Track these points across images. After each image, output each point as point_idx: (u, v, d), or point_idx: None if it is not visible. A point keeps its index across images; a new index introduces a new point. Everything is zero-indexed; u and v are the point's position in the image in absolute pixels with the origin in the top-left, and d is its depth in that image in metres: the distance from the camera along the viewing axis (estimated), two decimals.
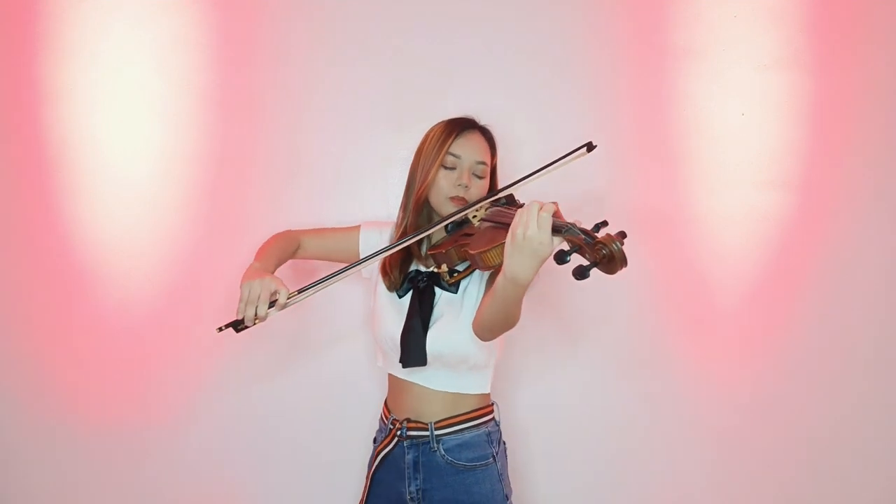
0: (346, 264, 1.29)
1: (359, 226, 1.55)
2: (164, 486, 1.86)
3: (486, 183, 1.41)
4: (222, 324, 1.20)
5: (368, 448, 1.61)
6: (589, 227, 1.06)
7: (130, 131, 1.84)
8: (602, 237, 0.99)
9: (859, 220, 1.91)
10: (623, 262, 0.98)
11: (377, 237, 1.52)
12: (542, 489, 1.88)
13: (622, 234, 0.99)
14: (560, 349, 1.90)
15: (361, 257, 1.48)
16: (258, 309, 1.18)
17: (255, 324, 1.20)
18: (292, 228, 1.58)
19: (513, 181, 1.35)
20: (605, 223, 1.07)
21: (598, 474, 1.91)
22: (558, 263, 0.99)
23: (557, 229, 1.03)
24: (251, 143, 1.86)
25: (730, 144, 1.90)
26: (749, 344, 1.91)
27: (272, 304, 1.20)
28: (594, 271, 0.98)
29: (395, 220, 1.49)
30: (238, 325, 1.20)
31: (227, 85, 1.85)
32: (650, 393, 1.90)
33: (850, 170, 1.91)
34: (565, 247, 1.02)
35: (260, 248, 1.45)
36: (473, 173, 1.38)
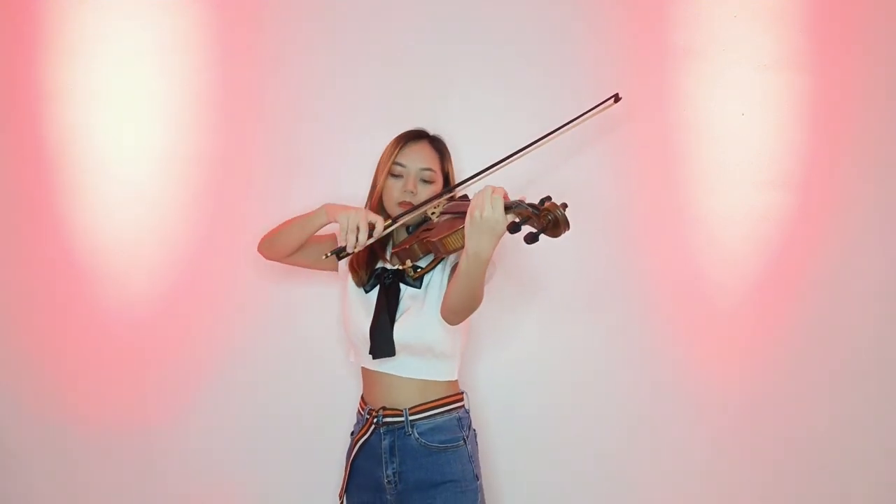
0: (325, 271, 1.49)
1: (333, 233, 1.64)
2: (161, 485, 1.86)
3: (435, 188, 1.53)
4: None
5: (347, 441, 1.62)
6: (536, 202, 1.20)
7: (130, 131, 1.84)
8: (547, 205, 1.16)
9: (859, 219, 1.91)
10: (566, 224, 1.15)
11: None
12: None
13: (564, 205, 1.16)
14: (556, 347, 1.89)
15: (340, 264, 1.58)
16: (359, 236, 1.34)
17: (355, 251, 1.36)
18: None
19: (538, 138, 1.49)
20: (548, 198, 1.20)
21: (585, 472, 1.91)
22: (511, 233, 1.14)
23: (508, 206, 1.18)
24: (251, 143, 1.86)
25: (730, 144, 1.90)
26: (748, 343, 1.91)
27: (370, 232, 1.35)
28: (543, 237, 1.14)
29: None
30: (341, 253, 1.36)
31: (228, 85, 1.85)
32: (648, 392, 1.90)
33: (850, 170, 1.91)
34: (517, 220, 1.15)
35: (286, 221, 1.55)
36: (421, 179, 1.51)
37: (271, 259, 1.60)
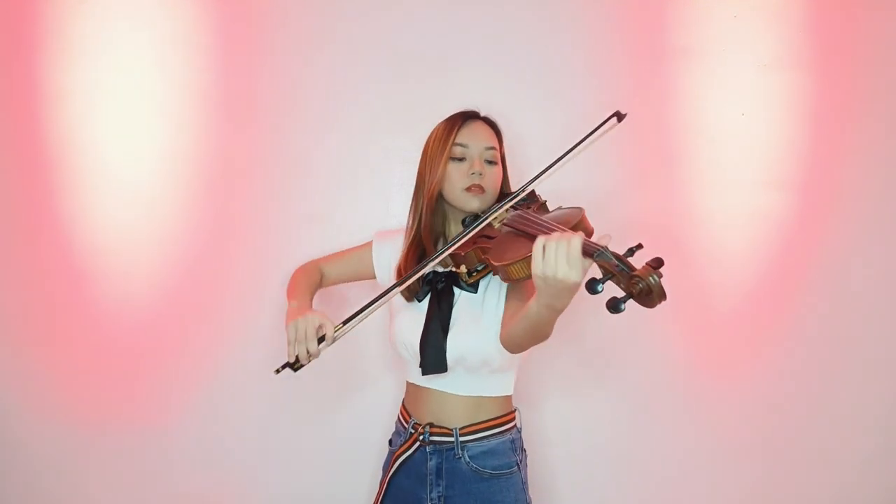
0: (368, 280, 1.29)
1: (370, 241, 1.54)
2: (162, 485, 1.86)
3: (499, 169, 1.38)
4: (278, 366, 1.20)
5: (378, 449, 1.59)
6: (622, 250, 0.96)
7: (130, 131, 1.84)
8: (639, 270, 0.90)
9: (859, 220, 1.91)
10: (662, 296, 0.88)
11: (390, 247, 1.49)
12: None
13: (658, 262, 0.89)
14: (555, 349, 1.89)
15: (375, 270, 1.49)
16: (308, 346, 1.17)
17: (308, 361, 1.19)
18: (314, 259, 1.59)
19: (543, 169, 1.28)
20: (640, 246, 0.97)
21: (609, 476, 1.91)
22: (590, 293, 0.90)
23: (588, 253, 0.93)
24: (251, 143, 1.86)
25: (730, 144, 1.90)
26: (748, 343, 1.91)
27: (321, 339, 1.19)
28: (630, 303, 0.88)
29: (403, 224, 1.47)
30: (294, 365, 1.19)
31: (228, 85, 1.85)
32: (647, 392, 1.90)
33: (850, 170, 1.91)
34: (598, 274, 0.93)
35: (289, 287, 1.45)
36: (485, 160, 1.36)
37: None
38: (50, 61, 1.82)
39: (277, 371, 1.19)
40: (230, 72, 1.85)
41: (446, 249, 1.23)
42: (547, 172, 1.27)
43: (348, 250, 1.57)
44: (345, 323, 1.21)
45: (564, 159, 1.27)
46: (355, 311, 1.20)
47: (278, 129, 1.86)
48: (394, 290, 1.22)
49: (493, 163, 1.37)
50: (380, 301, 1.20)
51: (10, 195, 1.82)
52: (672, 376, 1.90)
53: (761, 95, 1.90)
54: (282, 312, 1.85)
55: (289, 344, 1.19)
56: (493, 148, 1.36)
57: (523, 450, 1.39)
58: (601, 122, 1.28)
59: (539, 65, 1.88)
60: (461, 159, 1.35)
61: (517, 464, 1.34)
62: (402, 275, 1.36)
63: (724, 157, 1.90)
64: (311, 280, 1.47)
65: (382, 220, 1.85)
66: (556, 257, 0.94)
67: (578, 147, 1.27)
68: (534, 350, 1.83)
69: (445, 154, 1.34)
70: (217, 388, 1.85)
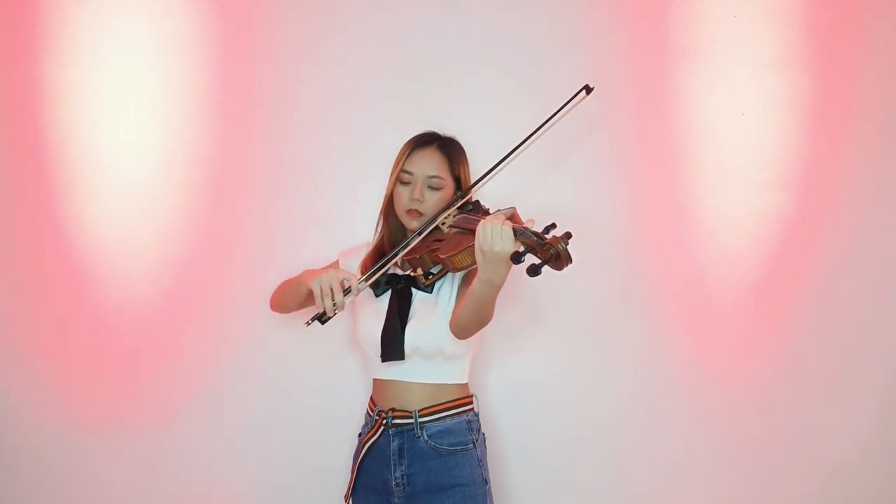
0: None
1: (336, 260, 1.68)
2: (162, 485, 1.86)
3: (443, 194, 1.53)
4: (307, 318, 1.37)
5: (354, 444, 1.62)
6: (540, 229, 1.20)
7: (130, 131, 1.84)
8: (550, 238, 1.14)
9: (859, 219, 1.91)
10: (568, 259, 1.13)
11: (355, 261, 1.63)
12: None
13: (567, 235, 1.14)
14: (555, 350, 1.89)
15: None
16: (335, 297, 1.31)
17: (335, 313, 1.34)
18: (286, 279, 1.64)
19: (517, 145, 1.48)
20: (553, 225, 1.21)
21: (594, 475, 1.91)
22: (514, 263, 1.14)
23: (515, 232, 1.17)
24: (251, 143, 1.86)
25: (730, 144, 1.90)
26: (749, 343, 1.91)
27: (346, 291, 1.33)
28: (545, 268, 1.12)
29: (366, 240, 1.67)
30: (322, 318, 1.35)
31: (227, 85, 1.85)
32: (648, 392, 1.90)
33: (850, 169, 1.91)
34: (521, 248, 1.16)
35: (280, 289, 1.63)
36: (428, 186, 1.51)
37: (286, 313, 1.67)
38: (50, 61, 1.82)
39: (307, 323, 1.36)
40: (230, 71, 1.85)
41: (407, 245, 1.45)
42: (521, 148, 1.48)
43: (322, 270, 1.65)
44: (366, 278, 1.41)
45: (536, 134, 1.47)
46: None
47: (278, 129, 1.86)
48: (398, 253, 1.44)
49: (437, 189, 1.51)
50: (393, 255, 1.44)
51: (9, 195, 1.82)
52: (672, 375, 1.90)
53: (761, 95, 1.90)
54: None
55: (316, 298, 1.33)
56: (436, 176, 1.50)
57: (480, 431, 1.53)
58: (571, 96, 1.45)
59: (538, 65, 1.88)
60: (407, 184, 1.51)
61: (473, 442, 1.48)
62: (364, 271, 1.51)
63: (724, 157, 1.90)
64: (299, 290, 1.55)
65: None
66: (491, 233, 1.17)
67: (549, 122, 1.46)
68: (527, 351, 1.84)
69: (394, 177, 1.52)
70: (217, 389, 1.85)
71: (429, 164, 1.51)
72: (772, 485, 1.91)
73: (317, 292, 1.32)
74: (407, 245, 1.45)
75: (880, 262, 1.92)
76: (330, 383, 1.87)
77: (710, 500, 1.91)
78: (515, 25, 1.87)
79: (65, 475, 1.84)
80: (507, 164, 1.49)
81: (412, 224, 1.51)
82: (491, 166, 1.49)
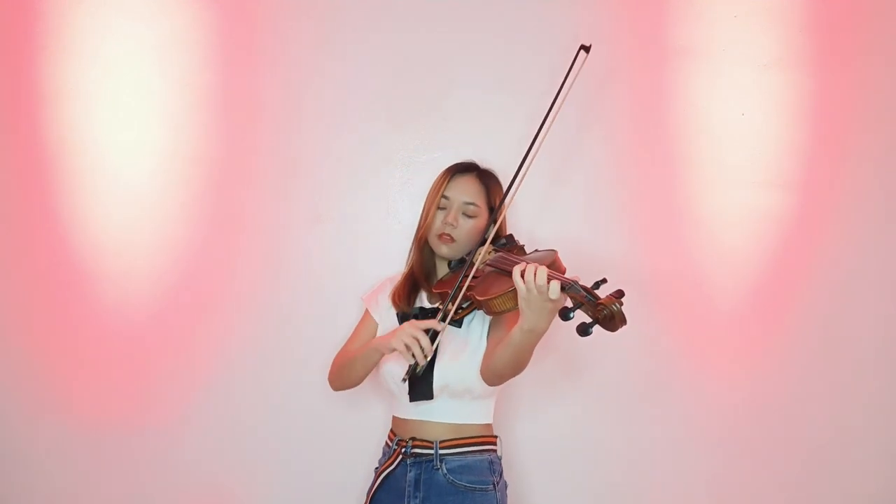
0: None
1: (366, 309, 1.61)
2: (160, 487, 1.85)
3: (477, 223, 1.50)
4: (403, 375, 1.34)
5: (368, 471, 1.59)
6: (589, 283, 1.15)
7: (130, 131, 1.84)
8: (603, 298, 1.08)
9: (860, 219, 1.91)
10: (622, 321, 1.06)
11: (384, 301, 1.57)
12: None
13: (620, 293, 1.08)
14: (558, 348, 1.89)
15: (379, 330, 1.56)
16: (423, 345, 1.27)
17: (426, 360, 1.29)
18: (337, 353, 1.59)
19: (525, 156, 1.42)
20: (604, 280, 1.16)
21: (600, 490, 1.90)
22: (563, 320, 1.08)
23: (561, 287, 1.11)
24: (251, 143, 1.86)
25: (730, 144, 1.90)
26: (749, 344, 1.91)
27: (432, 337, 1.30)
28: (596, 328, 1.07)
29: (388, 275, 1.63)
30: (416, 369, 1.31)
31: (228, 85, 1.85)
32: (649, 393, 1.89)
33: (850, 170, 1.91)
34: (569, 304, 1.10)
35: (337, 365, 1.55)
36: (463, 213, 1.48)
37: (353, 387, 1.55)
38: (49, 61, 1.82)
39: (404, 380, 1.33)
40: (230, 71, 1.85)
41: (468, 274, 1.36)
42: (543, 129, 1.43)
43: (354, 331, 1.61)
44: (444, 316, 1.34)
45: (555, 108, 1.42)
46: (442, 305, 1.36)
47: (278, 129, 1.86)
48: (463, 280, 1.35)
49: (471, 216, 1.49)
50: (465, 276, 1.35)
51: (9, 195, 1.82)
52: (672, 375, 1.90)
53: (761, 95, 1.90)
54: (282, 313, 1.86)
55: (404, 355, 1.29)
56: (472, 203, 1.48)
57: (502, 476, 1.45)
58: (571, 61, 1.44)
59: (538, 64, 1.87)
60: (443, 209, 1.49)
61: (493, 484, 1.40)
62: (396, 300, 1.50)
63: (724, 157, 1.90)
64: (345, 360, 1.51)
65: (383, 220, 1.86)
66: (536, 285, 1.12)
67: (562, 92, 1.42)
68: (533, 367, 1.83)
69: (434, 203, 1.49)
70: (217, 389, 1.85)
71: (466, 191, 1.49)
72: (775, 485, 1.91)
73: (400, 349, 1.28)
74: (468, 274, 1.36)
75: (880, 261, 1.92)
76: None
77: (711, 499, 1.91)
78: (512, 27, 1.87)
79: (65, 475, 1.84)
80: (529, 164, 1.42)
81: (442, 249, 1.48)
82: (514, 172, 1.42)
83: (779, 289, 1.91)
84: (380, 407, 1.82)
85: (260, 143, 1.86)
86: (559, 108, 1.43)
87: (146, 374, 1.85)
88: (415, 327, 1.29)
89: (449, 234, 1.46)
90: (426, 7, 1.87)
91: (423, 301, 1.52)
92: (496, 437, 1.47)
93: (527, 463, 1.83)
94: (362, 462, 1.74)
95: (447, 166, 1.55)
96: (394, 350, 1.31)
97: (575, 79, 1.44)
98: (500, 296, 1.24)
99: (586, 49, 1.44)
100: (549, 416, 1.87)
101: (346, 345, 1.59)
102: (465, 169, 1.53)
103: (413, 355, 1.27)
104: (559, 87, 1.42)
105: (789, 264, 1.91)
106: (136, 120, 1.84)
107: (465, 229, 1.47)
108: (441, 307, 1.40)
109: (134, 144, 1.84)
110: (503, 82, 1.88)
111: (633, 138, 1.89)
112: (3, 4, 1.81)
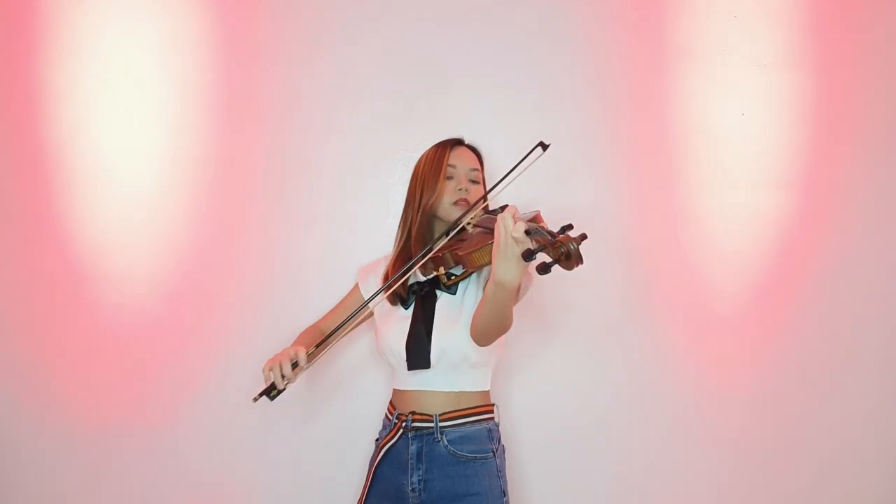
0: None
1: (356, 282, 1.66)
2: (160, 488, 1.85)
3: (480, 188, 1.57)
4: (255, 393, 1.37)
5: (368, 451, 1.60)
6: (556, 229, 1.18)
7: (130, 131, 1.84)
8: (561, 237, 1.11)
9: (859, 219, 1.91)
10: (578, 259, 1.09)
11: (374, 278, 1.63)
12: (535, 491, 1.88)
13: (582, 236, 1.11)
14: (557, 351, 1.89)
15: (366, 297, 1.60)
16: (283, 369, 1.33)
17: (285, 387, 1.35)
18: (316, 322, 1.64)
19: (487, 191, 1.51)
20: (570, 226, 1.18)
21: (598, 477, 1.90)
22: (525, 261, 1.13)
23: (528, 231, 1.15)
24: (251, 144, 1.86)
25: (730, 144, 1.90)
26: (749, 343, 1.91)
27: (294, 365, 1.35)
28: (556, 267, 1.11)
29: (384, 253, 1.65)
30: (271, 392, 1.36)
31: (228, 85, 1.85)
32: (649, 393, 1.90)
33: (850, 170, 1.91)
34: (533, 246, 1.15)
35: (305, 331, 1.61)
36: (469, 179, 1.55)
37: None
38: (49, 61, 1.82)
39: (255, 399, 1.36)
40: (231, 72, 1.85)
41: (429, 251, 1.41)
42: (493, 191, 1.46)
43: (341, 301, 1.67)
44: (316, 347, 1.40)
45: (496, 189, 1.45)
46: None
47: (279, 130, 1.86)
48: (367, 303, 1.43)
49: (476, 182, 1.56)
50: (343, 327, 1.41)
51: (9, 196, 1.82)
52: (672, 375, 1.90)
53: (761, 95, 1.90)
54: (282, 312, 1.86)
55: (265, 371, 1.35)
56: (476, 169, 1.57)
57: (500, 442, 1.50)
58: (527, 153, 1.43)
59: (538, 64, 1.88)
60: (450, 178, 1.54)
61: (493, 451, 1.45)
62: (389, 278, 1.52)
63: (724, 157, 1.90)
64: (308, 337, 1.56)
65: (383, 219, 1.86)
66: (504, 227, 1.15)
67: (507, 179, 1.44)
68: (532, 355, 1.83)
69: (442, 173, 1.52)
70: (217, 390, 1.85)
71: (469, 159, 1.57)
72: (774, 485, 1.91)
73: (266, 367, 1.35)
74: (424, 256, 1.42)
75: (880, 261, 1.92)
76: (333, 385, 1.86)
77: (710, 499, 1.91)
78: (513, 26, 1.87)
79: (65, 475, 1.84)
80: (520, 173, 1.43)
81: (458, 214, 1.51)
82: (505, 173, 1.45)
83: (778, 288, 1.91)
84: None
85: (259, 142, 1.86)
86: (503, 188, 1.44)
87: (146, 375, 1.85)
88: (284, 354, 1.36)
89: (465, 199, 1.51)
90: (426, 6, 1.87)
91: (418, 276, 1.54)
92: (493, 404, 1.51)
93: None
94: (363, 434, 1.76)
95: (432, 144, 1.58)
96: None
97: (525, 168, 1.42)
98: (480, 248, 1.29)
99: (543, 147, 1.44)
100: (548, 418, 1.88)
101: (327, 314, 1.65)
102: (457, 142, 1.60)
103: (272, 379, 1.34)
104: (508, 172, 1.43)
105: (789, 264, 1.91)
106: (137, 120, 1.84)
107: (475, 194, 1.54)
108: (437, 273, 1.46)
109: (134, 145, 1.84)
110: (502, 81, 1.88)
111: (633, 138, 1.89)
112: (2, 4, 1.81)
